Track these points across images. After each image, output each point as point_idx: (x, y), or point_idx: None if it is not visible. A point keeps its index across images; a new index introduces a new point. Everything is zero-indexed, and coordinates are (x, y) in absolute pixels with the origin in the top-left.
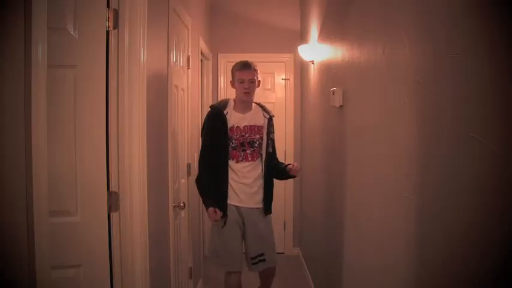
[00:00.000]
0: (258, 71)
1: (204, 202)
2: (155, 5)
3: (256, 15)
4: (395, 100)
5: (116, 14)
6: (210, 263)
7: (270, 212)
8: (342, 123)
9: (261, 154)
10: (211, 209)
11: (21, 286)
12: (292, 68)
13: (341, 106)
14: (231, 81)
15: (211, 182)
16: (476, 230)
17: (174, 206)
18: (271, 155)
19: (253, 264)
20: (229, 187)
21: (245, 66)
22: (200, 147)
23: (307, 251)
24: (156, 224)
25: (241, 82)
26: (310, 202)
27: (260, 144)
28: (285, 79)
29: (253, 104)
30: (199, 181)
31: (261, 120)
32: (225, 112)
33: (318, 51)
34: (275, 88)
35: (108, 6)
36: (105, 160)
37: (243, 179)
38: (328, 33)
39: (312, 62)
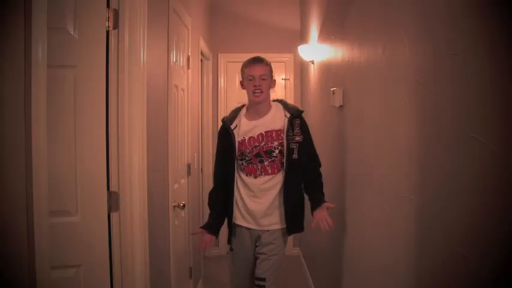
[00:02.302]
0: (272, 68)
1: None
2: (155, 5)
3: (256, 15)
4: (396, 100)
5: (116, 14)
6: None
7: (298, 231)
8: (342, 123)
9: (283, 163)
10: (200, 230)
11: (21, 286)
12: (292, 68)
13: (341, 106)
14: (240, 82)
15: (221, 198)
16: (476, 230)
17: (174, 206)
18: (300, 163)
19: (255, 285)
20: (242, 206)
21: (255, 61)
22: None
23: (307, 251)
24: (156, 224)
25: (250, 79)
26: None
27: (281, 152)
28: (285, 79)
29: (272, 103)
30: (210, 197)
31: (280, 123)
32: (232, 126)
33: (318, 51)
34: (275, 88)
35: (108, 6)
36: (105, 160)
37: (263, 197)
38: (328, 33)
39: (312, 62)
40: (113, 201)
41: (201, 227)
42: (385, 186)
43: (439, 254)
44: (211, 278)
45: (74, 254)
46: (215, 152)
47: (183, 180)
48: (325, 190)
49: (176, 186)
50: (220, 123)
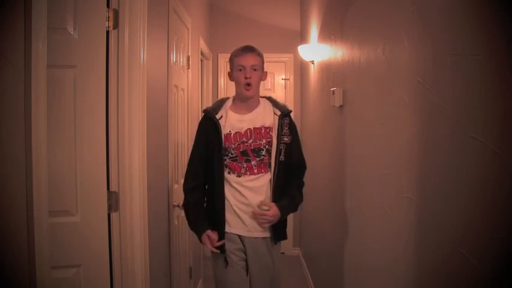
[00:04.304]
0: (264, 59)
1: (193, 229)
2: (155, 5)
3: (256, 15)
4: (396, 100)
5: (116, 14)
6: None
7: (283, 239)
8: (342, 123)
9: (271, 164)
10: (204, 236)
11: (21, 286)
12: (292, 68)
13: (341, 106)
14: (228, 73)
15: (203, 205)
16: (476, 230)
17: (174, 206)
18: (286, 166)
19: None
20: (227, 210)
21: (246, 50)
22: (187, 162)
23: (307, 251)
24: (156, 223)
25: (240, 70)
26: (310, 202)
27: (269, 151)
28: (285, 79)
29: (260, 99)
30: (186, 206)
31: (269, 120)
32: (218, 116)
33: (318, 51)
34: (275, 88)
35: (108, 6)
36: (105, 160)
37: (249, 197)
38: (328, 33)
39: (312, 62)
40: (113, 201)
41: (203, 234)
42: (385, 186)
43: (438, 253)
44: (211, 278)
45: (74, 254)
46: (192, 148)
47: (183, 180)
48: (325, 190)
49: (176, 186)
50: None
